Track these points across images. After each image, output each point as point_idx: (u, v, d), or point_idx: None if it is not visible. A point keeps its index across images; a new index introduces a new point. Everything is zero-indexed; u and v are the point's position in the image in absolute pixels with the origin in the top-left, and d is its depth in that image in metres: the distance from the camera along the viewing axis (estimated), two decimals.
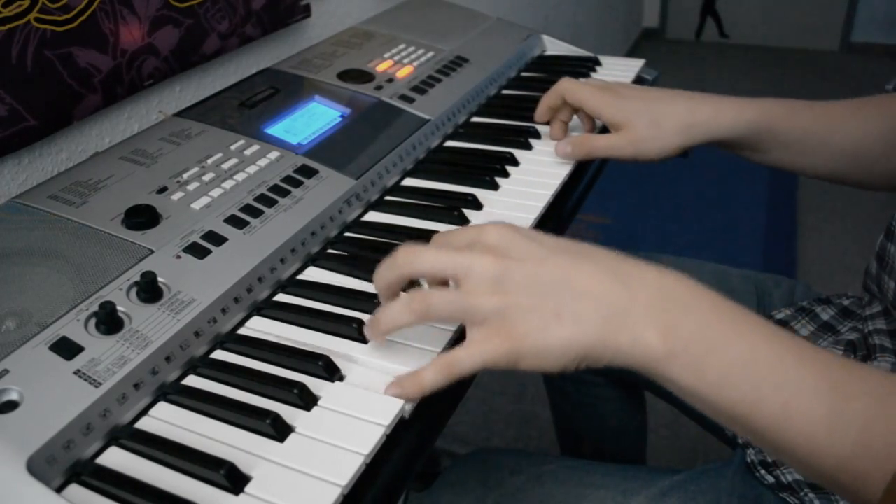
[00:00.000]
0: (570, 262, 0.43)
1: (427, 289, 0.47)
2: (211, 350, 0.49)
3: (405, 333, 0.48)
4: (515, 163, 0.72)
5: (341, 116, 0.72)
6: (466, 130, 0.79)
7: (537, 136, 0.77)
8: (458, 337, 0.49)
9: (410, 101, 0.76)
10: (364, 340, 0.49)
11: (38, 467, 0.37)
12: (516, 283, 0.42)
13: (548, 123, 0.76)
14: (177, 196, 0.56)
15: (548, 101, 0.74)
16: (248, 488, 0.38)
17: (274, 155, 0.63)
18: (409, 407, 0.44)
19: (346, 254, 0.58)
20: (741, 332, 0.40)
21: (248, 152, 0.62)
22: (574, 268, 0.42)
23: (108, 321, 0.44)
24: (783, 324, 0.75)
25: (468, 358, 0.43)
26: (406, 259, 0.45)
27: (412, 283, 0.49)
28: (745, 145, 0.70)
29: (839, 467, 0.37)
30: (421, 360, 0.46)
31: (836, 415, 0.37)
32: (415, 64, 0.83)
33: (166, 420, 0.43)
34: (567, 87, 0.72)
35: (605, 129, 0.74)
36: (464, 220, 0.63)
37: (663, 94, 0.70)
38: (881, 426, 0.36)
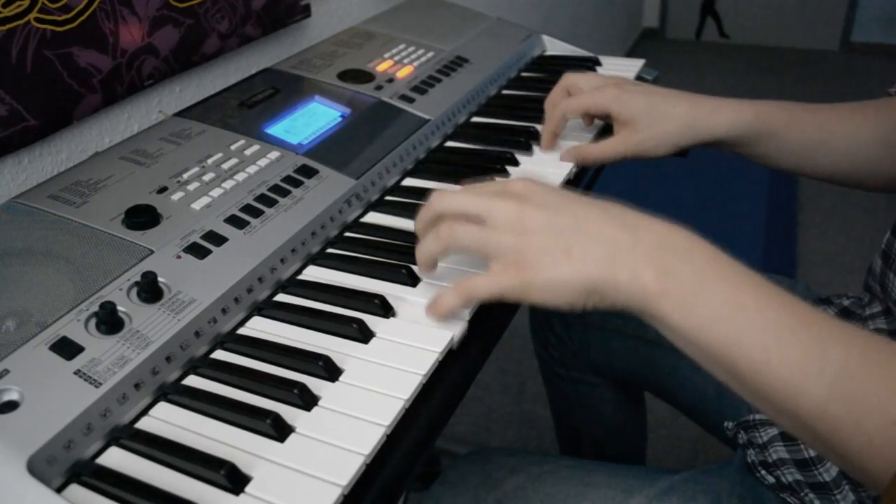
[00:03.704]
0: (583, 210, 0.48)
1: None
2: (211, 350, 0.49)
3: (408, 333, 0.49)
4: (515, 163, 0.72)
5: (341, 116, 0.72)
6: (466, 130, 0.79)
7: (537, 136, 0.77)
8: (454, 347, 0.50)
9: (410, 101, 0.76)
10: (364, 340, 0.49)
11: (39, 467, 0.37)
12: (533, 225, 0.47)
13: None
14: (177, 196, 0.56)
15: (554, 97, 0.74)
16: (248, 488, 0.39)
17: (274, 155, 0.63)
18: (408, 404, 0.44)
19: (346, 254, 0.59)
20: (731, 278, 0.44)
21: (248, 152, 0.62)
22: (586, 215, 0.47)
23: (109, 321, 0.44)
24: None
25: (484, 285, 0.48)
26: (439, 199, 0.51)
27: None
28: (743, 147, 0.70)
29: (812, 411, 0.39)
30: (420, 360, 0.47)
31: (814, 358, 0.39)
32: (415, 64, 0.83)
33: (166, 420, 0.43)
34: (571, 82, 0.73)
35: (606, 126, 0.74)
36: None
37: (665, 93, 0.70)
38: (857, 372, 0.38)
